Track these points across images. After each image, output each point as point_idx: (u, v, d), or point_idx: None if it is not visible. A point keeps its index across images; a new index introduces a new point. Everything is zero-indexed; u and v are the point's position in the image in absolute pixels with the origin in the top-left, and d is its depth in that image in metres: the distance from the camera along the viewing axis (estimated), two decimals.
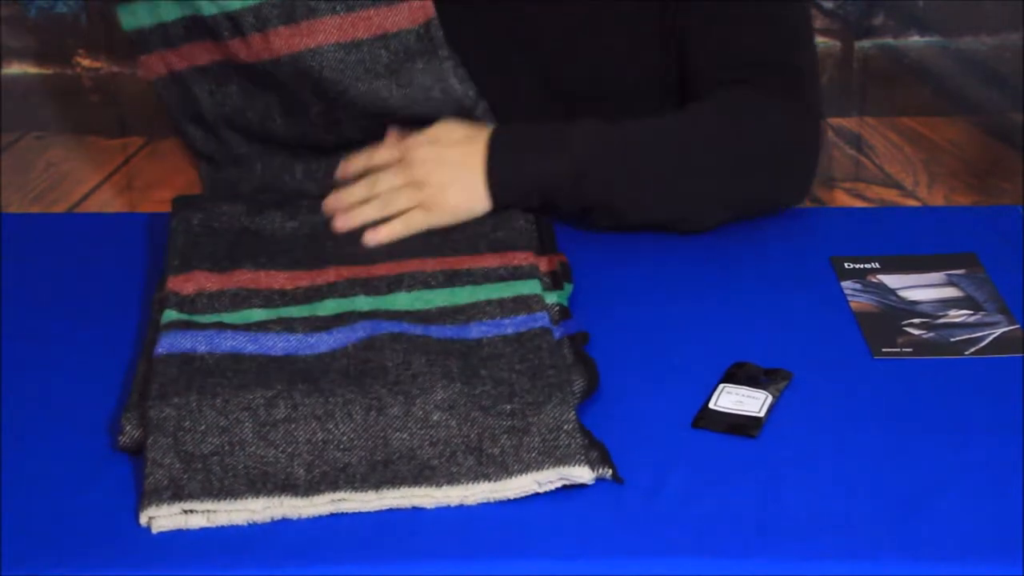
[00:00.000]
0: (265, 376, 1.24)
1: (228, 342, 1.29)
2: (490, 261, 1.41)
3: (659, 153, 1.49)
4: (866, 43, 2.15)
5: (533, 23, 1.60)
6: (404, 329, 1.29)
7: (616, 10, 1.58)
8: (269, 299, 1.37)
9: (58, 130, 2.17)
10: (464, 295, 1.36)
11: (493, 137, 1.49)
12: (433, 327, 1.31)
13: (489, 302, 1.34)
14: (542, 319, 1.32)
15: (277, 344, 1.29)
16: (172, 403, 1.20)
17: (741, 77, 1.53)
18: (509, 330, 1.31)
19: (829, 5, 2.13)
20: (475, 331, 1.31)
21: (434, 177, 1.49)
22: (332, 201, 1.52)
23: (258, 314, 1.35)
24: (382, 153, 1.53)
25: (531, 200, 1.49)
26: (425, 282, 1.38)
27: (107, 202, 2.16)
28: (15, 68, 2.14)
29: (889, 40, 2.15)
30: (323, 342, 1.30)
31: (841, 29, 2.14)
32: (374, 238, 1.47)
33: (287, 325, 1.32)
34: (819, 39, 2.14)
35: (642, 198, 1.49)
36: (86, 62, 2.14)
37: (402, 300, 1.36)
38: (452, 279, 1.38)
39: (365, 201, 1.50)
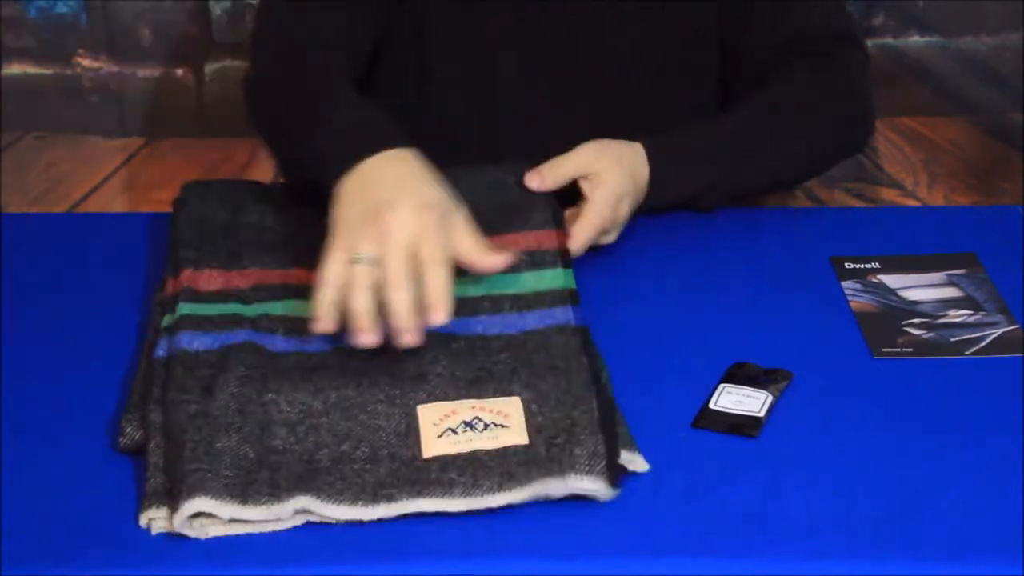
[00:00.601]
0: (273, 376, 1.24)
1: (237, 339, 1.28)
2: (512, 244, 1.40)
3: (763, 157, 1.56)
4: (866, 43, 2.15)
5: (561, 14, 1.60)
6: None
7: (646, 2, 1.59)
8: (293, 291, 1.36)
9: (58, 130, 2.17)
10: (487, 284, 1.35)
11: (654, 166, 1.50)
12: (460, 321, 1.29)
13: (516, 296, 1.34)
14: (566, 314, 1.31)
15: (285, 343, 1.29)
16: (193, 403, 1.20)
17: (799, 51, 1.60)
18: (532, 325, 1.30)
19: None
20: (496, 326, 1.30)
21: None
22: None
23: (272, 307, 1.34)
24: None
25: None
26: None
27: (107, 202, 2.17)
28: (15, 68, 2.15)
29: (889, 40, 2.15)
30: (335, 338, 1.29)
31: None
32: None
33: (296, 323, 1.32)
34: None
35: (751, 189, 1.58)
36: (86, 62, 2.14)
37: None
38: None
39: None
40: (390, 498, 1.13)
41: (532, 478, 1.14)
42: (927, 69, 2.14)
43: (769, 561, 1.09)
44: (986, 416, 1.24)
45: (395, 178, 1.28)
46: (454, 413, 1.20)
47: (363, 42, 1.62)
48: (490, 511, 1.14)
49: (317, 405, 1.21)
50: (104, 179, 2.18)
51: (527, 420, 1.19)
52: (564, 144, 1.51)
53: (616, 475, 1.14)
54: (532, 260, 1.38)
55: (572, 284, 1.36)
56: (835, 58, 1.61)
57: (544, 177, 1.46)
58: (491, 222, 1.42)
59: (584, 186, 1.45)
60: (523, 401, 1.21)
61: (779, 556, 1.09)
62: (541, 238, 1.41)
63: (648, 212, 1.51)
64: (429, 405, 1.21)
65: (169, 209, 1.53)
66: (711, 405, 1.25)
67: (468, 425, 1.19)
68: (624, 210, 1.46)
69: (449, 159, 1.58)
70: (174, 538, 1.12)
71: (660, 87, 1.64)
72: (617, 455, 1.16)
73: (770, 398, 1.26)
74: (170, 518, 1.12)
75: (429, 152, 1.53)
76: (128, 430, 1.21)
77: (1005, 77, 2.13)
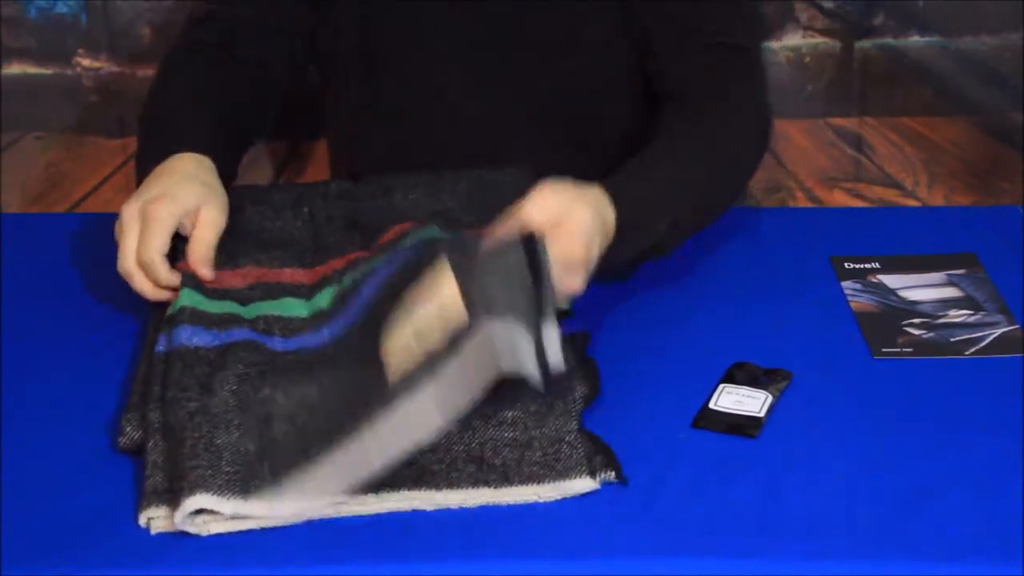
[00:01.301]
0: (271, 373, 1.24)
1: (236, 337, 1.29)
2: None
3: (705, 204, 1.46)
4: (866, 43, 2.15)
5: (503, 22, 1.60)
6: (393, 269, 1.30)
7: (581, 6, 1.59)
8: (288, 291, 1.36)
9: (58, 130, 2.17)
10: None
11: (620, 218, 1.34)
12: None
13: None
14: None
15: (283, 343, 1.29)
16: (192, 401, 1.20)
17: (700, 61, 1.55)
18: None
19: (829, 5, 2.13)
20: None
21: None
22: None
23: (268, 307, 1.34)
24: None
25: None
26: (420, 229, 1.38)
27: (107, 202, 2.17)
28: (15, 68, 2.14)
29: (889, 40, 2.14)
30: (321, 335, 1.30)
31: (841, 29, 2.14)
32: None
33: (293, 323, 1.32)
34: (819, 39, 2.14)
35: (684, 232, 1.44)
36: (86, 62, 2.14)
37: None
38: None
39: None
40: (392, 486, 1.14)
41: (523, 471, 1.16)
42: (927, 69, 2.14)
43: (769, 561, 1.09)
44: (986, 416, 1.24)
45: (154, 180, 1.41)
46: (404, 331, 1.19)
47: (294, 29, 1.64)
48: (490, 509, 1.14)
49: (312, 392, 1.21)
50: (104, 179, 2.17)
51: (460, 285, 1.18)
52: (507, 140, 1.56)
53: (539, 334, 1.15)
54: None
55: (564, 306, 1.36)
56: (733, 75, 1.56)
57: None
58: (483, 220, 1.42)
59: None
60: (452, 266, 1.19)
61: (779, 556, 1.09)
62: None
63: (609, 273, 1.36)
64: (391, 339, 1.20)
65: None
66: (711, 405, 1.25)
67: (419, 335, 1.18)
68: (595, 251, 1.29)
69: (396, 153, 1.59)
70: (174, 538, 1.12)
71: (590, 85, 1.63)
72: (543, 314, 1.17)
73: (770, 398, 1.26)
74: (171, 516, 1.12)
75: (377, 146, 1.63)
76: (128, 429, 1.21)
77: (1005, 77, 2.12)
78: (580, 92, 1.63)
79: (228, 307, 1.34)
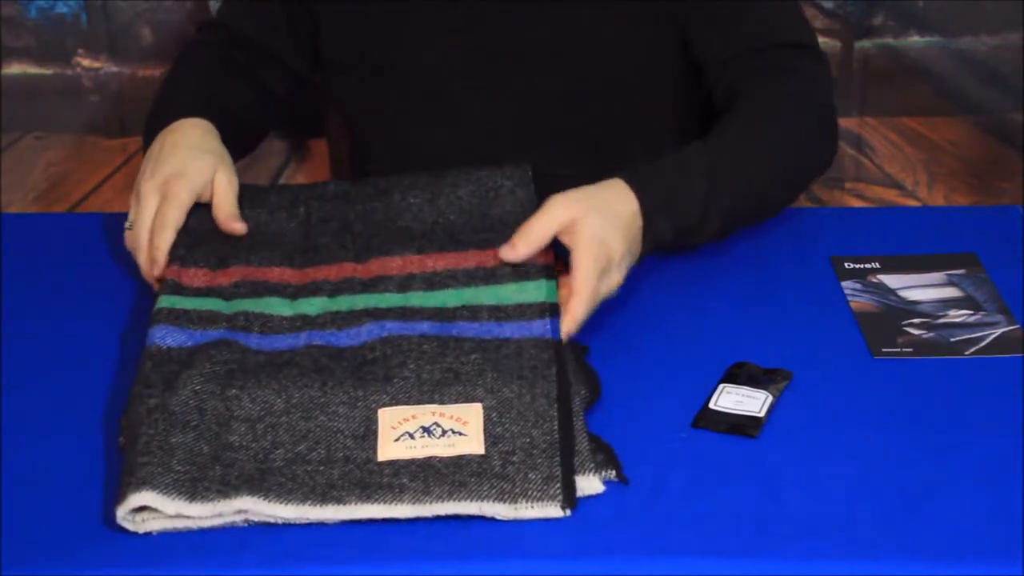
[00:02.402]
0: (240, 372, 1.24)
1: (210, 338, 1.29)
2: (497, 259, 1.39)
3: (752, 182, 1.47)
4: (866, 43, 2.15)
5: (523, 22, 1.60)
6: (407, 330, 1.29)
7: (612, 7, 1.58)
8: (273, 290, 1.36)
9: (58, 130, 2.17)
10: (467, 295, 1.35)
11: (645, 207, 1.38)
12: (436, 325, 1.31)
13: (495, 307, 1.34)
14: (544, 327, 1.31)
15: (259, 340, 1.30)
16: (153, 398, 1.20)
17: (762, 59, 1.56)
18: (509, 335, 1.30)
19: (829, 5, 2.13)
20: (472, 331, 1.31)
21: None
22: None
23: (251, 303, 1.34)
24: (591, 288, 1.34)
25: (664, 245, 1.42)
26: (429, 282, 1.37)
27: (107, 202, 2.17)
28: (15, 68, 2.14)
29: (889, 40, 2.14)
30: (297, 339, 1.30)
31: (841, 29, 2.14)
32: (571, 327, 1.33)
33: (272, 321, 1.32)
34: (819, 39, 2.15)
35: (743, 220, 1.48)
36: (86, 62, 2.14)
37: (395, 299, 1.35)
38: (458, 278, 1.37)
39: None
40: (339, 500, 1.13)
41: (483, 492, 1.14)
42: (927, 69, 2.14)
43: (769, 561, 1.09)
44: (986, 416, 1.24)
45: (162, 150, 1.47)
46: (413, 417, 1.20)
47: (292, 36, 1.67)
48: None
49: (279, 404, 1.21)
50: (104, 179, 2.18)
51: (486, 429, 1.19)
52: (511, 145, 1.55)
53: (571, 498, 1.14)
54: (515, 272, 1.37)
55: (555, 298, 1.35)
56: (798, 72, 1.57)
57: (518, 249, 1.35)
58: (480, 234, 1.42)
59: (565, 241, 1.34)
60: (484, 408, 1.21)
61: (779, 556, 1.09)
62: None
63: (666, 251, 1.43)
64: (390, 409, 1.21)
65: None
66: (711, 405, 1.25)
67: (426, 431, 1.19)
68: (615, 247, 1.33)
69: (399, 156, 1.59)
70: (174, 538, 1.12)
71: (613, 94, 1.63)
72: (573, 479, 1.15)
73: (770, 398, 1.26)
74: (116, 507, 1.12)
75: (380, 149, 1.65)
76: (126, 429, 1.21)
77: (1005, 77, 2.13)
78: (586, 97, 1.63)
79: (209, 303, 1.34)
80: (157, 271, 1.39)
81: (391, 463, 1.16)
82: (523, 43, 1.61)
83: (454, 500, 1.13)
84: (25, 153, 2.18)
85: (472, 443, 1.18)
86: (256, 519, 1.13)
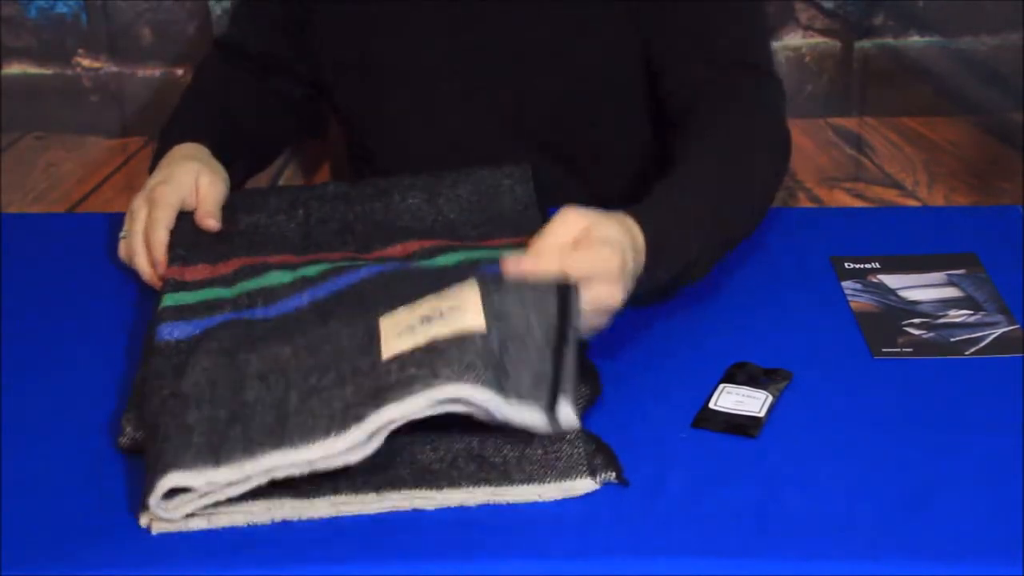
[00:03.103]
0: (247, 341, 1.25)
1: (214, 323, 1.29)
2: (495, 243, 1.40)
3: (718, 225, 1.41)
4: (866, 43, 2.15)
5: (501, 29, 1.60)
6: (400, 267, 1.32)
7: (583, 10, 1.58)
8: (267, 268, 1.38)
9: (58, 130, 2.17)
10: (464, 255, 1.36)
11: (648, 240, 1.30)
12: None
13: (492, 260, 1.33)
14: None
15: (264, 311, 1.30)
16: (166, 388, 1.20)
17: (714, 78, 1.54)
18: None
19: (829, 5, 2.13)
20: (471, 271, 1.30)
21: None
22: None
23: (253, 283, 1.35)
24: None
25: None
26: (429, 253, 1.38)
27: (107, 202, 2.17)
28: (15, 68, 2.14)
29: (889, 40, 2.14)
30: (300, 299, 1.31)
31: (841, 29, 2.14)
32: None
33: (275, 292, 1.33)
34: (819, 39, 2.14)
35: (711, 263, 1.41)
36: (86, 62, 2.14)
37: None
38: (456, 248, 1.38)
39: None
40: (358, 418, 1.13)
41: (487, 378, 1.13)
42: (927, 69, 2.14)
43: (769, 561, 1.09)
44: (986, 416, 1.24)
45: (158, 169, 1.52)
46: (412, 313, 1.19)
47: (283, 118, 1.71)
48: (490, 509, 1.14)
49: (286, 351, 1.21)
50: (104, 179, 2.18)
51: (484, 303, 1.17)
52: (506, 151, 1.56)
53: (554, 402, 1.14)
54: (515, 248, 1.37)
55: None
56: (758, 98, 1.55)
57: (523, 267, 1.22)
58: (479, 228, 1.43)
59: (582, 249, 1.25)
60: (479, 283, 1.19)
61: (779, 556, 1.09)
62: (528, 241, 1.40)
63: (645, 300, 1.34)
64: (389, 315, 1.21)
65: None
66: (711, 405, 1.25)
67: (426, 319, 1.18)
68: (629, 263, 1.24)
69: (396, 159, 1.59)
70: (174, 538, 1.12)
71: (589, 97, 1.63)
72: (561, 381, 1.15)
73: (770, 398, 1.26)
74: (146, 499, 1.11)
75: (376, 153, 1.66)
76: (128, 429, 1.21)
77: (1005, 77, 2.12)
78: (585, 98, 1.63)
79: (212, 292, 1.34)
80: (160, 269, 1.41)
81: (396, 358, 1.16)
82: (520, 44, 1.61)
83: (464, 382, 1.12)
84: (25, 153, 2.18)
85: (471, 317, 1.16)
86: (286, 473, 1.12)
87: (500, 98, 1.62)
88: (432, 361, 1.14)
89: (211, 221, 1.46)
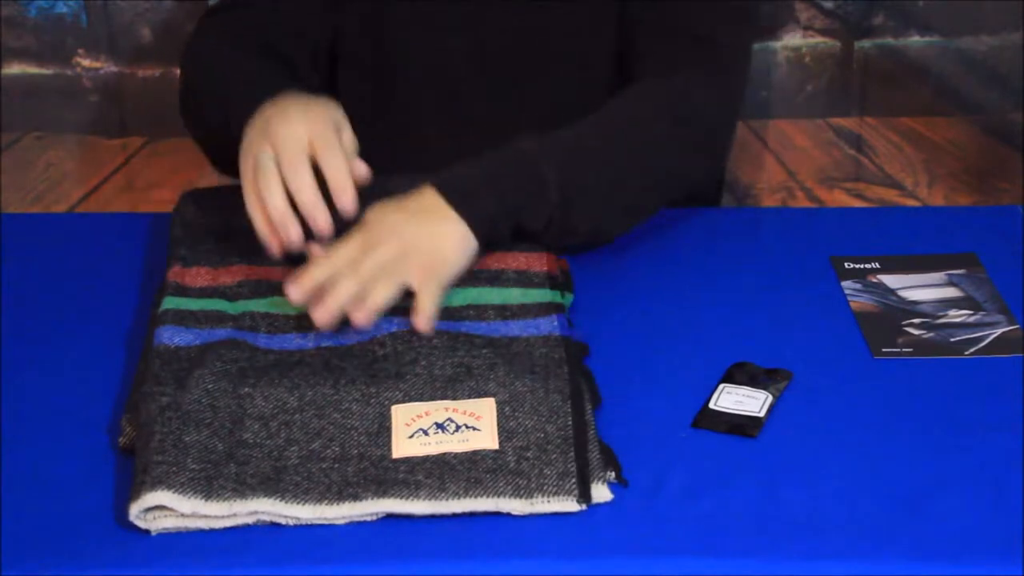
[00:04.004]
0: (252, 371, 1.24)
1: (217, 337, 1.29)
2: (499, 263, 1.40)
3: (603, 154, 1.44)
4: (866, 43, 2.15)
5: (516, 29, 1.60)
6: (412, 338, 1.29)
7: (603, 5, 1.58)
8: (276, 289, 1.36)
9: (58, 130, 2.17)
10: (472, 295, 1.35)
11: (437, 181, 1.36)
12: (444, 323, 1.31)
13: (501, 306, 1.34)
14: (550, 324, 1.31)
15: (267, 340, 1.29)
16: (166, 396, 1.20)
17: (662, 48, 1.54)
18: (517, 333, 1.30)
19: (829, 5, 2.14)
20: (480, 330, 1.31)
21: (418, 241, 1.32)
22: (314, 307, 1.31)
23: (256, 304, 1.34)
24: (342, 252, 1.31)
25: (505, 222, 1.38)
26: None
27: (107, 202, 2.17)
28: (15, 68, 2.15)
29: (889, 40, 2.15)
30: (305, 340, 1.30)
31: (841, 29, 2.14)
32: (426, 324, 1.29)
33: (279, 321, 1.32)
34: (819, 39, 2.15)
35: (595, 197, 1.42)
36: (86, 62, 2.14)
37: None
38: (463, 278, 1.37)
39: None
40: (355, 497, 1.13)
41: (499, 488, 1.14)
42: (927, 69, 2.14)
43: (769, 561, 1.09)
44: (986, 416, 1.24)
45: (281, 104, 1.36)
46: (427, 414, 1.20)
47: (309, 37, 1.63)
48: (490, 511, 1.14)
49: (292, 401, 1.21)
50: (104, 179, 2.18)
51: (499, 423, 1.19)
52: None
53: (587, 492, 1.14)
54: (519, 278, 1.38)
55: (558, 299, 1.36)
56: (691, 68, 1.52)
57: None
58: None
59: None
60: (497, 403, 1.21)
61: (779, 556, 1.09)
62: (531, 260, 1.40)
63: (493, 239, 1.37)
64: (403, 405, 1.21)
65: (169, 209, 1.53)
66: (711, 405, 1.25)
67: (440, 427, 1.19)
68: (379, 217, 1.32)
69: (415, 151, 1.58)
70: (174, 538, 1.12)
71: (602, 93, 1.61)
72: (588, 473, 1.15)
73: (770, 398, 1.26)
74: (130, 505, 1.11)
75: (395, 145, 1.60)
76: (128, 429, 1.21)
77: (1005, 77, 2.13)
78: (592, 100, 1.63)
79: (214, 304, 1.34)
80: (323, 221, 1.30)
81: (406, 460, 1.16)
82: (531, 46, 1.61)
83: (470, 497, 1.13)
84: (25, 153, 2.18)
85: (486, 438, 1.18)
86: (269, 519, 1.13)
87: (513, 98, 1.62)
88: (442, 475, 1.15)
89: (363, 168, 1.33)
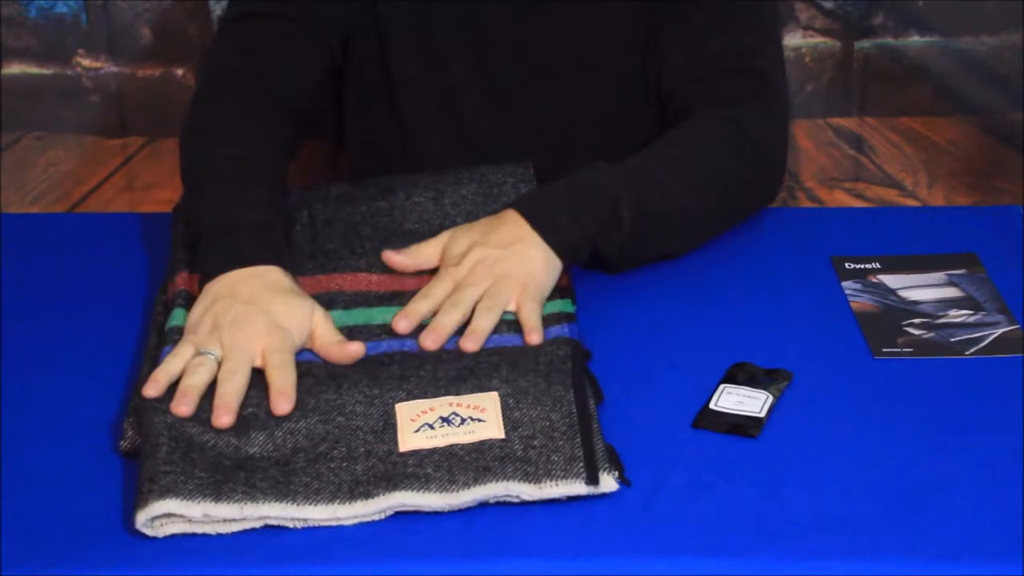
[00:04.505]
0: (255, 386, 1.24)
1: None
2: None
3: (676, 191, 1.46)
4: (866, 43, 2.15)
5: (523, 41, 1.60)
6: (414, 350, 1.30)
7: (604, 16, 1.58)
8: None
9: (58, 130, 2.17)
10: None
11: (522, 208, 1.41)
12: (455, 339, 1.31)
13: (514, 321, 1.34)
14: (560, 330, 1.32)
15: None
16: (170, 414, 1.20)
17: (711, 81, 1.55)
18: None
19: (829, 5, 2.13)
20: (491, 342, 1.31)
21: (498, 270, 1.37)
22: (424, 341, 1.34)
23: None
24: (439, 286, 1.37)
25: (583, 249, 1.41)
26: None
27: (107, 202, 2.17)
28: (15, 68, 2.15)
29: (889, 40, 2.15)
30: (308, 352, 1.30)
31: (841, 29, 2.14)
32: (474, 344, 1.31)
33: None
34: (819, 39, 2.15)
35: (666, 226, 1.46)
36: (86, 62, 2.14)
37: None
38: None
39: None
40: (367, 495, 1.13)
41: (508, 473, 1.14)
42: (927, 69, 2.14)
43: (769, 561, 1.09)
44: (986, 416, 1.24)
45: (254, 295, 1.31)
46: (431, 409, 1.21)
47: (315, 69, 1.60)
48: (491, 509, 1.14)
49: (295, 413, 1.21)
50: (104, 179, 2.18)
51: (504, 414, 1.20)
52: (530, 153, 1.55)
53: (595, 475, 1.14)
54: None
55: (570, 309, 1.36)
56: (749, 100, 1.54)
57: (393, 260, 1.41)
58: None
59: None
60: (501, 396, 1.21)
61: (779, 556, 1.09)
62: None
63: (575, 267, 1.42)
64: (407, 403, 1.21)
65: (169, 209, 1.53)
66: (711, 405, 1.25)
67: (445, 420, 1.19)
68: (459, 247, 1.39)
69: (422, 167, 1.58)
70: (174, 538, 1.12)
71: (607, 103, 1.63)
72: (595, 455, 1.16)
73: (770, 398, 1.26)
74: (136, 513, 1.11)
75: (403, 162, 1.62)
76: (129, 432, 1.21)
77: (1005, 77, 2.13)
78: (597, 114, 1.63)
79: None
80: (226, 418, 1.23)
81: (414, 453, 1.17)
82: (542, 50, 1.61)
83: (480, 485, 1.13)
84: (25, 153, 2.18)
85: (492, 428, 1.18)
86: (278, 523, 1.13)
87: (518, 108, 1.62)
88: (451, 467, 1.15)
89: (354, 347, 1.29)
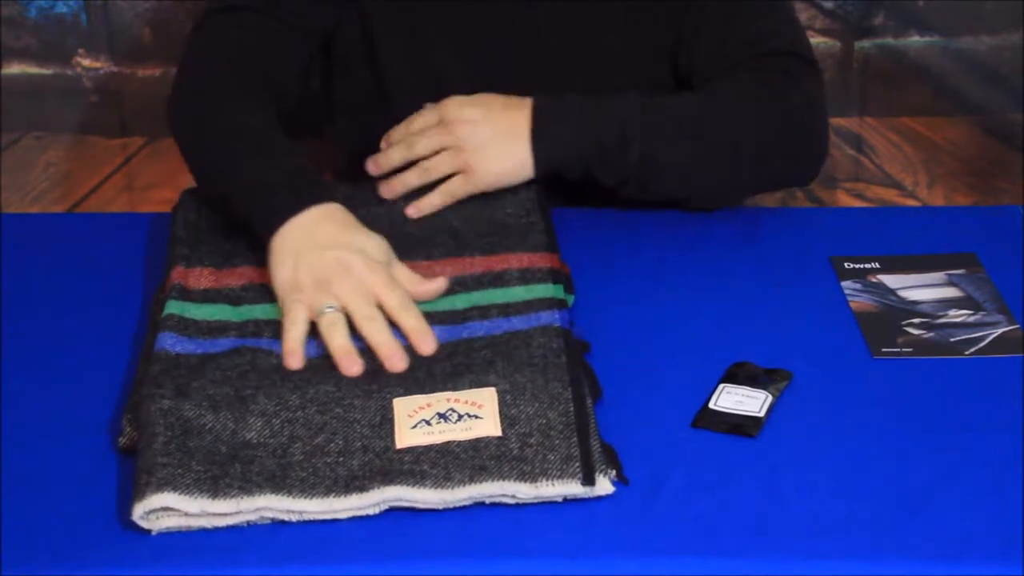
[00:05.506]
0: (255, 372, 1.25)
1: (218, 348, 1.29)
2: (502, 264, 1.40)
3: (695, 127, 1.49)
4: (866, 43, 2.15)
5: (513, 29, 1.60)
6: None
7: (596, 14, 1.58)
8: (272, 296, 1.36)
9: (58, 130, 2.17)
10: (476, 297, 1.36)
11: (538, 104, 1.48)
12: (447, 329, 1.31)
13: (504, 305, 1.34)
14: (551, 316, 1.32)
15: (270, 343, 1.29)
16: (166, 399, 1.20)
17: (749, 65, 1.55)
18: (518, 327, 1.31)
19: (829, 5, 2.14)
20: (482, 330, 1.31)
21: (476, 139, 1.47)
22: (371, 166, 1.51)
23: (262, 310, 1.34)
24: (421, 117, 1.50)
25: (572, 169, 1.47)
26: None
27: (107, 202, 2.17)
28: (15, 68, 2.15)
29: (889, 40, 2.15)
30: (308, 346, 1.30)
31: (841, 29, 2.14)
32: (416, 212, 1.47)
33: (278, 327, 1.32)
34: (819, 39, 2.15)
35: (678, 170, 1.49)
36: (86, 62, 2.14)
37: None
38: (467, 284, 1.38)
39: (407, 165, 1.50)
40: (362, 489, 1.13)
41: (504, 473, 1.14)
42: (927, 69, 2.14)
43: (769, 561, 1.09)
44: (986, 416, 1.24)
45: (335, 236, 1.32)
46: (428, 405, 1.21)
47: (297, 65, 1.61)
48: (490, 509, 1.14)
49: (294, 400, 1.21)
50: (104, 179, 2.18)
51: (501, 411, 1.20)
52: None
53: (591, 475, 1.14)
54: (523, 276, 1.38)
55: (561, 295, 1.36)
56: (785, 72, 1.55)
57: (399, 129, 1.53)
58: (485, 238, 1.43)
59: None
60: (498, 391, 1.21)
61: (779, 556, 1.09)
62: (534, 259, 1.41)
63: (554, 180, 1.49)
64: (405, 398, 1.22)
65: (169, 209, 1.53)
66: (711, 405, 1.25)
67: (442, 417, 1.19)
68: (458, 109, 1.48)
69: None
70: (174, 538, 1.12)
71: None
72: (592, 456, 1.16)
73: (770, 398, 1.26)
74: (133, 506, 1.11)
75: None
76: (128, 430, 1.21)
77: (1005, 77, 2.13)
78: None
79: (217, 311, 1.34)
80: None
81: (410, 450, 1.17)
82: (526, 52, 1.61)
83: (475, 483, 1.13)
84: (25, 153, 2.18)
85: (489, 425, 1.18)
86: (274, 516, 1.13)
87: (503, 85, 1.62)
88: (447, 464, 1.15)
89: (441, 283, 1.34)
